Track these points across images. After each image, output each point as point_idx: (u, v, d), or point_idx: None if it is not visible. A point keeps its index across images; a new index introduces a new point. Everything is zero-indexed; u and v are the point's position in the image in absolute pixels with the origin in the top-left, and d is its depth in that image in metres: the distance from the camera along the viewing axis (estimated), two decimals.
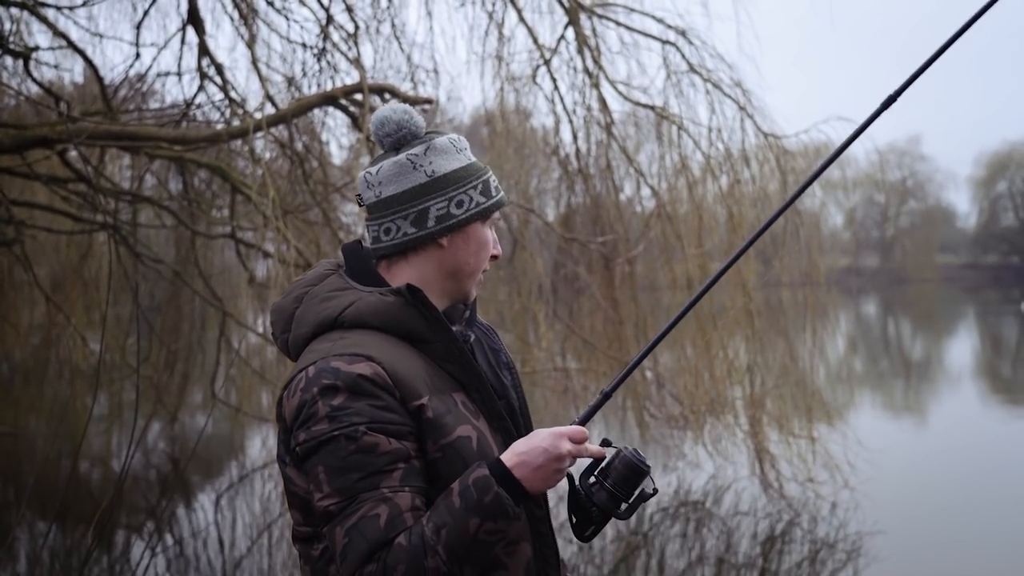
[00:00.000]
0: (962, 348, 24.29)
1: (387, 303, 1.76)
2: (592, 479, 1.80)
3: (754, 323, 8.06)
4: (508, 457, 1.68)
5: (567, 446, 1.69)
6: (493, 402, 1.81)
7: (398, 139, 1.84)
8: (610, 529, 7.79)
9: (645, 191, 8.87)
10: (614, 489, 1.77)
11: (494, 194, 1.87)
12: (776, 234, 8.47)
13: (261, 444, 10.45)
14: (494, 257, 1.92)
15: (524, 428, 1.93)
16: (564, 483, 1.79)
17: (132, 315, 9.75)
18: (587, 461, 1.81)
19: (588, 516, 1.79)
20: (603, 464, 1.80)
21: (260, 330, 9.25)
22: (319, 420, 1.63)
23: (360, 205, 1.89)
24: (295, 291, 1.86)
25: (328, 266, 1.90)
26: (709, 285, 1.95)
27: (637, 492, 1.80)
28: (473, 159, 1.89)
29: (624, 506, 1.79)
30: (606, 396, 1.86)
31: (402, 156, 1.82)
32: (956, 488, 9.07)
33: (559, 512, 3.84)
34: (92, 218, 8.26)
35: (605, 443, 1.82)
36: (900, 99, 1.89)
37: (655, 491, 1.83)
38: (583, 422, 1.80)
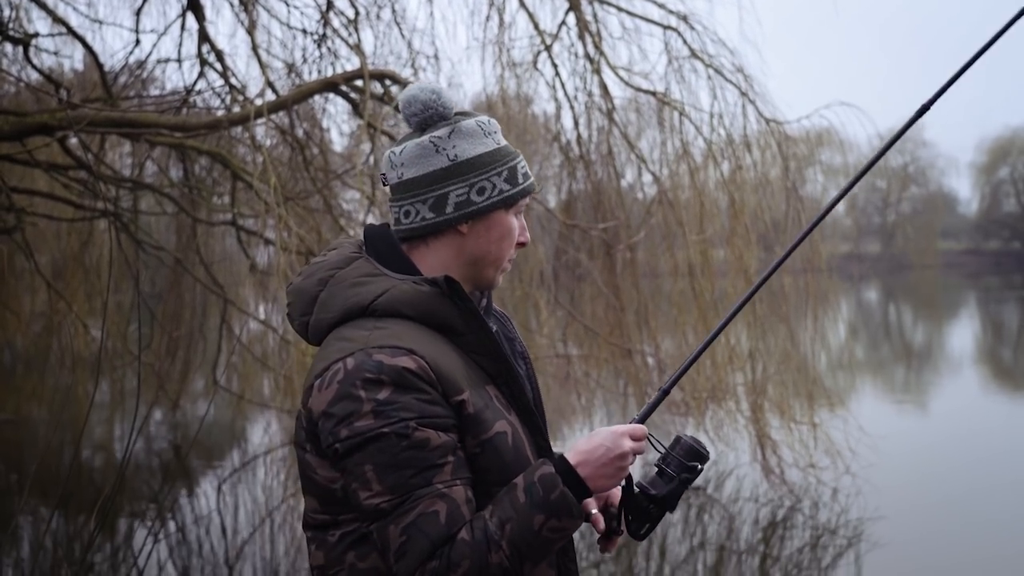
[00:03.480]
0: (963, 334, 24.29)
1: (422, 293, 1.72)
2: (654, 467, 1.80)
3: (755, 309, 8.05)
4: (572, 455, 1.67)
5: (629, 444, 1.69)
6: (524, 396, 1.78)
7: (424, 119, 1.80)
8: None
9: (646, 177, 8.85)
10: (677, 474, 1.77)
11: (521, 181, 1.82)
12: (777, 220, 8.47)
13: (263, 431, 10.47)
14: (521, 244, 1.86)
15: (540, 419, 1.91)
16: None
17: (133, 302, 9.74)
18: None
19: (645, 514, 1.79)
20: (664, 452, 1.80)
21: (261, 317, 9.25)
22: (363, 415, 1.59)
23: (384, 184, 1.85)
24: (317, 273, 1.79)
25: (352, 248, 1.84)
26: (772, 270, 2.01)
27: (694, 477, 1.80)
28: (503, 143, 1.83)
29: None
30: (664, 393, 1.85)
31: (425, 138, 1.77)
32: (957, 474, 9.08)
33: None
34: (93, 205, 8.26)
35: (650, 438, 1.81)
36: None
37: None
38: (642, 420, 1.80)
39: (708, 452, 1.80)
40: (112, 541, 7.26)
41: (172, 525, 7.88)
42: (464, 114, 1.83)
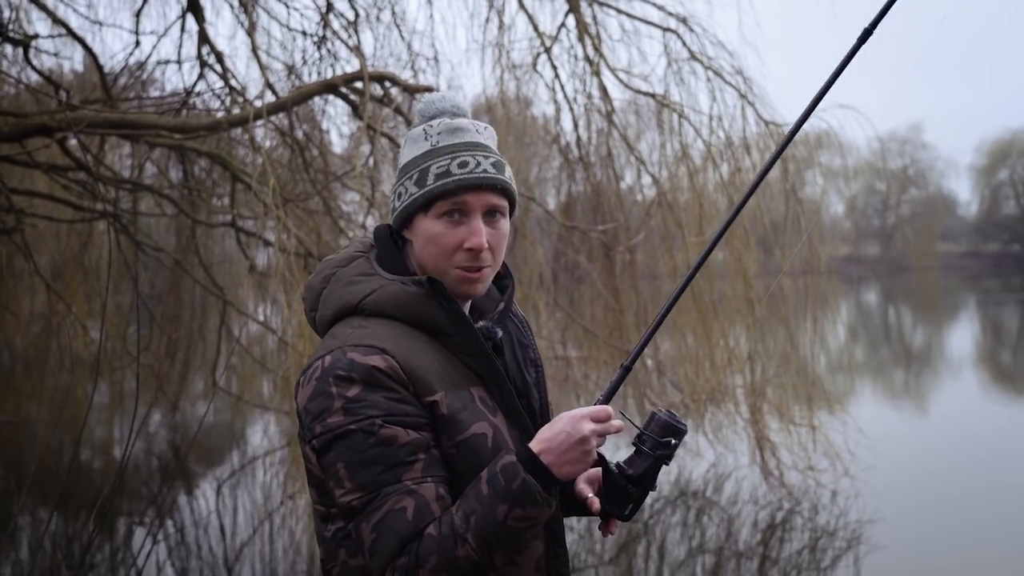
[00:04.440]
0: (963, 336, 24.29)
1: (408, 293, 1.74)
2: (630, 447, 1.78)
3: (755, 311, 8.06)
4: (534, 443, 1.67)
5: (588, 426, 1.66)
6: (512, 398, 1.78)
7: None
8: None
9: (646, 179, 8.86)
10: (652, 451, 1.74)
11: (431, 182, 1.74)
12: (777, 222, 8.47)
13: (262, 432, 10.46)
14: (468, 249, 1.75)
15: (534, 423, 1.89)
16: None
17: (132, 304, 9.75)
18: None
19: (625, 494, 1.76)
20: (639, 431, 1.77)
21: (261, 318, 9.25)
22: (333, 412, 1.62)
23: None
24: (325, 271, 1.84)
25: (359, 247, 1.87)
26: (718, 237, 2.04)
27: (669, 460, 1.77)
28: (445, 143, 1.77)
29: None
30: (626, 370, 1.83)
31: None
32: (957, 476, 9.08)
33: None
34: (92, 206, 8.26)
35: (622, 416, 1.78)
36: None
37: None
38: (606, 400, 1.77)
39: (684, 426, 1.76)
40: (111, 542, 7.26)
41: (171, 526, 7.87)
42: (438, 116, 1.85)
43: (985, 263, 58.58)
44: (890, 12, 1.91)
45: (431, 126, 1.80)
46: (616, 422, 1.72)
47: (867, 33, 1.91)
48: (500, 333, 1.87)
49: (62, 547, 6.84)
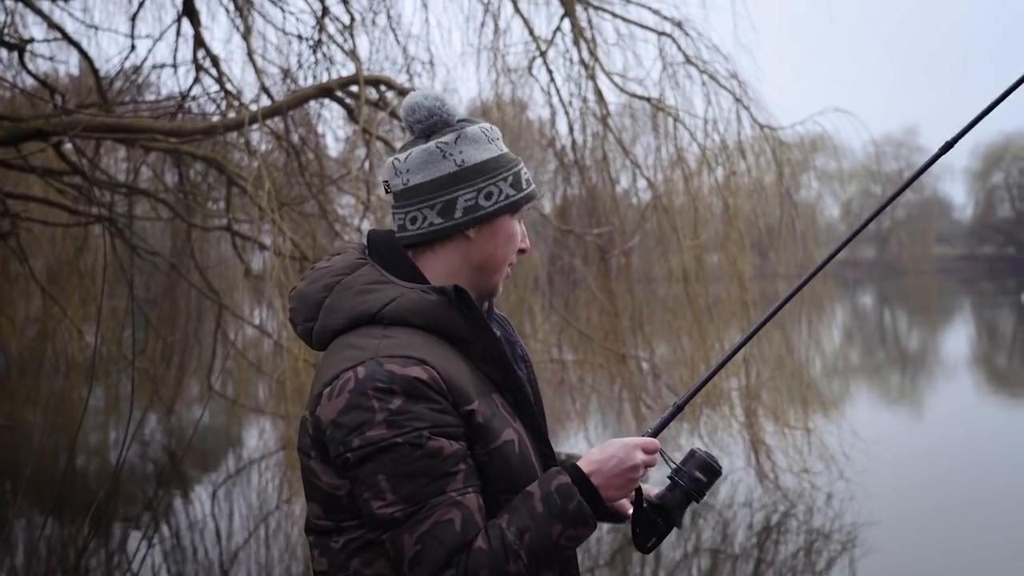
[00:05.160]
0: (958, 339, 24.33)
1: (430, 302, 1.71)
2: (667, 480, 1.82)
3: (750, 315, 8.06)
4: (585, 465, 1.69)
5: (641, 456, 1.71)
6: (528, 403, 1.78)
7: (429, 126, 1.80)
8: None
9: (641, 183, 8.87)
10: (689, 488, 1.78)
11: (525, 187, 1.83)
12: (772, 226, 8.49)
13: (258, 436, 10.46)
14: (522, 251, 1.86)
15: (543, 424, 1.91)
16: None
17: (128, 307, 9.74)
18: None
19: (654, 528, 1.80)
20: (676, 466, 1.81)
21: (256, 322, 9.25)
22: (375, 425, 1.59)
23: (387, 192, 1.84)
24: (323, 279, 1.79)
25: (357, 254, 1.83)
26: (811, 276, 1.99)
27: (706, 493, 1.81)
28: (505, 150, 1.83)
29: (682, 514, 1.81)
30: (679, 408, 1.87)
31: (432, 144, 1.77)
32: (952, 479, 9.09)
33: None
34: (88, 211, 8.26)
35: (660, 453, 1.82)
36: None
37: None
38: (655, 433, 1.81)
39: (721, 467, 1.81)
40: (107, 546, 7.25)
41: (166, 530, 7.86)
42: (467, 120, 1.83)
43: (980, 266, 58.68)
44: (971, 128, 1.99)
45: (488, 129, 1.83)
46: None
47: (948, 146, 1.98)
48: (498, 333, 1.89)
49: (57, 551, 6.83)
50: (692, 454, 1.81)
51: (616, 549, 7.33)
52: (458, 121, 1.82)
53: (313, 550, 1.76)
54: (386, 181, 1.84)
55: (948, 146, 1.96)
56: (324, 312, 1.76)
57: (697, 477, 1.78)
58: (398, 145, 1.74)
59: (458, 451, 1.62)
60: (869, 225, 2.02)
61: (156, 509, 8.39)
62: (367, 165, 7.31)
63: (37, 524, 7.40)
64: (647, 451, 1.73)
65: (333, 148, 9.19)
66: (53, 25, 7.76)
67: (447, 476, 1.60)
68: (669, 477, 1.81)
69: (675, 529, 1.81)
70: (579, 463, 1.70)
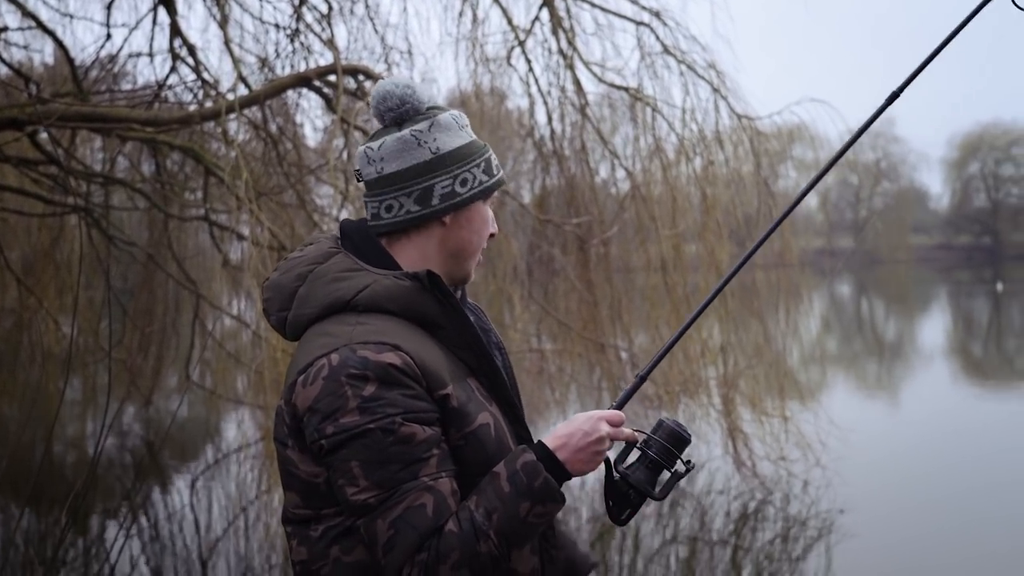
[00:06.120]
0: (934, 328, 24.53)
1: (404, 287, 1.72)
2: (635, 451, 1.81)
3: (728, 304, 8.11)
4: (550, 440, 1.70)
5: (606, 428, 1.72)
6: (504, 387, 1.80)
7: (400, 114, 1.80)
8: (585, 510, 7.85)
9: (620, 173, 8.90)
10: (658, 457, 1.78)
11: (495, 172, 1.85)
12: (750, 215, 8.53)
13: (236, 427, 10.42)
14: (491, 235, 1.89)
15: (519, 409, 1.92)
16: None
17: (105, 298, 9.68)
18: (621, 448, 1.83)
19: (625, 499, 1.80)
20: (645, 436, 1.81)
21: (234, 313, 9.22)
22: (348, 412, 1.59)
23: (359, 180, 1.84)
24: (296, 268, 1.79)
25: (330, 243, 1.83)
26: (744, 260, 2.01)
27: (674, 468, 1.81)
28: (474, 136, 1.85)
29: (659, 488, 1.81)
30: (642, 379, 1.89)
31: (406, 132, 1.78)
32: (926, 466, 9.19)
33: None
34: (64, 201, 8.18)
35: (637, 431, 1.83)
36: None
37: (689, 468, 1.84)
38: (620, 406, 1.83)
39: (690, 435, 1.81)
40: (84, 538, 7.22)
41: (145, 522, 7.84)
42: (437, 108, 1.84)
43: (957, 255, 59.16)
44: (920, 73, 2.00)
45: (458, 116, 1.85)
46: (626, 429, 1.78)
47: (894, 96, 2.01)
48: (472, 319, 1.91)
49: (34, 543, 6.80)
50: (660, 424, 1.81)
51: (596, 537, 7.37)
52: (428, 108, 1.82)
53: (291, 540, 1.76)
54: (357, 170, 1.84)
55: (894, 96, 2.00)
56: (298, 301, 1.77)
57: (666, 447, 1.79)
58: (425, 125, 1.75)
59: (431, 436, 1.63)
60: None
61: (134, 500, 8.36)
62: (345, 155, 7.29)
63: (13, 516, 7.37)
64: (612, 423, 1.74)
65: (311, 138, 9.16)
66: (27, 13, 7.68)
67: (420, 461, 1.61)
68: (638, 448, 1.81)
69: (652, 501, 1.81)
70: (544, 439, 1.71)
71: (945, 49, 2.06)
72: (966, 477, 8.66)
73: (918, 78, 2.01)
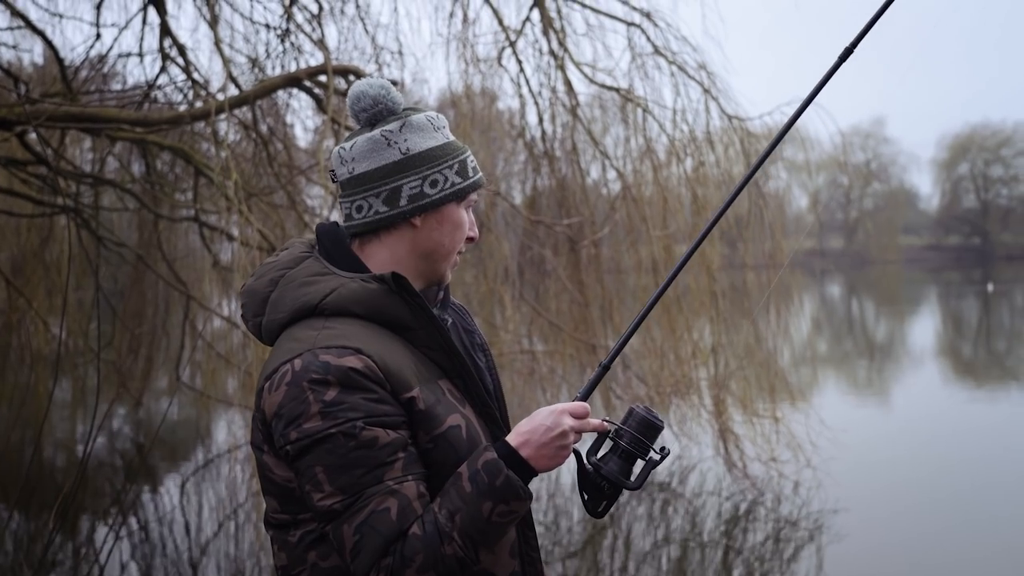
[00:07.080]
0: (924, 329, 24.60)
1: (370, 291, 1.71)
2: (608, 442, 1.79)
3: (718, 305, 8.12)
4: (513, 438, 1.68)
5: (569, 421, 1.69)
6: (478, 387, 1.79)
7: (374, 115, 1.80)
8: (576, 511, 7.85)
9: (611, 174, 8.91)
10: (630, 447, 1.75)
11: (471, 175, 1.83)
12: (740, 216, 8.53)
13: (226, 428, 10.39)
14: (470, 239, 1.87)
15: (499, 411, 1.90)
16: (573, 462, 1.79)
17: (94, 299, 9.64)
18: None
19: (600, 491, 1.77)
20: (616, 426, 1.78)
21: (225, 314, 9.19)
22: (310, 417, 1.59)
23: (333, 181, 1.84)
24: (268, 273, 1.80)
25: (303, 248, 1.84)
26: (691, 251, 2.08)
27: (647, 457, 1.78)
28: (451, 138, 1.84)
29: (634, 478, 1.77)
30: (604, 369, 1.87)
31: (376, 132, 1.77)
32: (917, 466, 9.20)
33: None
34: (53, 201, 8.15)
35: (607, 421, 1.80)
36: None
37: (664, 455, 1.80)
38: (584, 397, 1.80)
39: (662, 422, 1.78)
40: (74, 540, 7.19)
41: (134, 523, 7.81)
42: (412, 109, 1.83)
43: (946, 256, 59.41)
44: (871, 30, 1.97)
45: (435, 117, 1.83)
46: (594, 420, 1.76)
47: (847, 52, 1.98)
48: (450, 321, 1.91)
49: (24, 545, 6.78)
50: (631, 412, 1.79)
51: (586, 540, 7.37)
52: (404, 109, 1.82)
53: (273, 545, 1.77)
54: (332, 171, 1.84)
55: (848, 52, 1.97)
56: (270, 307, 1.77)
57: (637, 436, 1.76)
58: (396, 125, 1.74)
59: (395, 440, 1.62)
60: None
61: (124, 502, 8.33)
62: None
63: (2, 517, 7.33)
64: (576, 415, 1.71)
65: (302, 138, 9.15)
66: (16, 13, 7.64)
67: (384, 465, 1.60)
68: (610, 438, 1.78)
69: (628, 491, 1.79)
70: (508, 436, 1.69)
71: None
72: (956, 477, 8.68)
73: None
